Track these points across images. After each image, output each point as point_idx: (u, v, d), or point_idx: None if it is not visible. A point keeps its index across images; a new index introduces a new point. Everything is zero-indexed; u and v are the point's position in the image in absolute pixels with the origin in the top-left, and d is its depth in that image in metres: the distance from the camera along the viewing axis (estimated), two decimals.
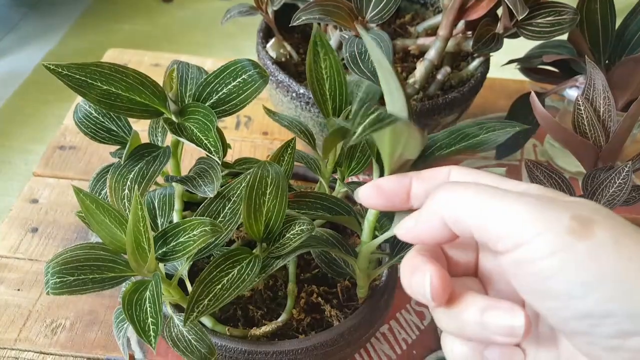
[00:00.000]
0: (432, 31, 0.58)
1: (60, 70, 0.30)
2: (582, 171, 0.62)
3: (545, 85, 0.61)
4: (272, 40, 0.52)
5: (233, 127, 0.65)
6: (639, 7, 0.56)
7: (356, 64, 0.36)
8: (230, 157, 0.62)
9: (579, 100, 0.38)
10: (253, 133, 0.65)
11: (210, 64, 0.75)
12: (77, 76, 0.30)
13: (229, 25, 1.64)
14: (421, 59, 0.51)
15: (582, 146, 0.37)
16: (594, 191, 0.36)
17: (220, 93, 0.34)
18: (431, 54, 0.50)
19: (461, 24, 0.52)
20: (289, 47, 0.54)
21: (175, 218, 0.38)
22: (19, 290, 0.46)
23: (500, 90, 0.73)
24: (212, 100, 0.34)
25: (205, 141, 0.29)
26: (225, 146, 0.41)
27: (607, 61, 0.58)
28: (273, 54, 0.52)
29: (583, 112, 0.37)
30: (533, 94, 0.38)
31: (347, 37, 0.38)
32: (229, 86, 0.34)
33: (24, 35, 1.76)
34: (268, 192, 0.29)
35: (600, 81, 0.38)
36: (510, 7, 0.37)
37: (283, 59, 0.52)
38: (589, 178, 0.37)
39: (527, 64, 0.59)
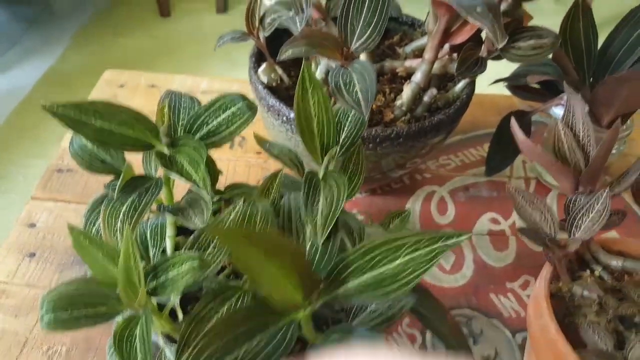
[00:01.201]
0: (420, 52, 0.59)
1: (55, 110, 0.31)
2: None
3: (533, 103, 0.62)
4: (264, 65, 0.53)
5: (227, 147, 0.67)
6: (620, 26, 0.57)
7: (341, 93, 0.37)
8: (225, 177, 0.63)
9: (558, 126, 0.39)
10: (247, 152, 0.66)
11: (205, 85, 0.76)
12: (72, 115, 0.31)
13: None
14: (408, 81, 0.52)
15: (562, 171, 0.38)
16: (575, 216, 0.37)
17: (210, 125, 0.35)
18: (417, 77, 0.51)
19: (447, 46, 0.53)
20: (280, 71, 0.55)
21: (168, 245, 0.39)
22: (16, 316, 0.47)
23: (490, 107, 0.74)
24: (202, 132, 0.35)
25: (195, 176, 0.30)
26: (217, 173, 0.42)
27: (591, 79, 0.59)
28: (264, 79, 0.53)
29: (563, 137, 0.38)
30: (513, 121, 0.40)
31: (334, 66, 0.39)
32: (219, 119, 0.35)
33: (25, 51, 1.78)
34: (257, 229, 0.30)
35: (579, 107, 0.39)
36: (490, 36, 0.38)
37: (274, 84, 0.54)
38: (571, 202, 0.38)
39: (513, 82, 0.61)
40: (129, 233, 0.26)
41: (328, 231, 0.30)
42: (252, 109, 0.35)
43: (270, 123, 0.53)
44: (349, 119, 0.39)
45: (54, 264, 0.51)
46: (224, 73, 1.60)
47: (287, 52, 0.37)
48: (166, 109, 0.34)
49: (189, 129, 0.36)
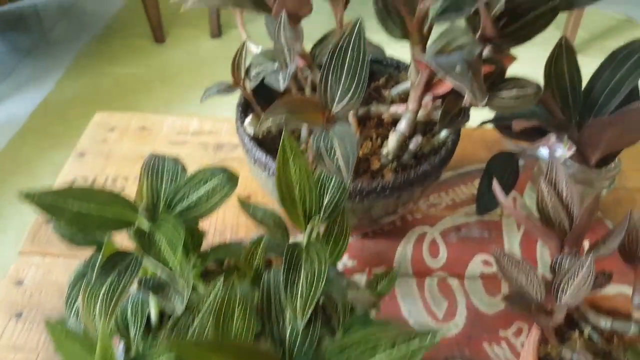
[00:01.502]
0: (405, 96, 0.59)
1: (32, 197, 0.31)
2: None
3: (520, 142, 0.62)
4: (250, 117, 0.53)
5: None
6: (603, 68, 0.57)
7: (323, 159, 0.37)
8: (215, 220, 0.63)
9: (542, 186, 0.39)
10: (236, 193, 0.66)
11: (196, 125, 0.76)
12: (49, 202, 0.31)
13: (219, 64, 1.65)
14: (393, 129, 0.52)
15: (547, 234, 0.38)
16: (561, 279, 0.36)
17: (190, 200, 0.35)
18: (402, 126, 0.51)
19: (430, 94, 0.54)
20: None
21: (153, 314, 0.39)
22: None
23: (479, 141, 0.74)
24: (183, 206, 0.35)
25: (172, 262, 0.30)
26: (201, 238, 0.42)
27: (578, 118, 0.59)
28: (251, 131, 0.53)
29: (547, 196, 0.38)
30: (496, 183, 0.39)
31: (315, 130, 0.39)
32: (199, 192, 0.35)
33: (21, 81, 1.78)
34: (236, 315, 0.30)
35: (561, 167, 0.39)
36: (469, 96, 0.38)
37: (261, 135, 0.53)
38: (557, 264, 0.37)
39: (500, 123, 0.61)
40: (105, 327, 0.26)
41: (309, 314, 0.29)
42: (232, 180, 0.35)
43: (258, 174, 0.53)
44: (332, 181, 0.39)
45: (41, 325, 0.50)
46: (219, 100, 1.60)
47: (267, 122, 0.36)
48: (145, 187, 0.34)
49: (169, 201, 0.35)
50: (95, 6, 2.27)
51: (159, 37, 1.99)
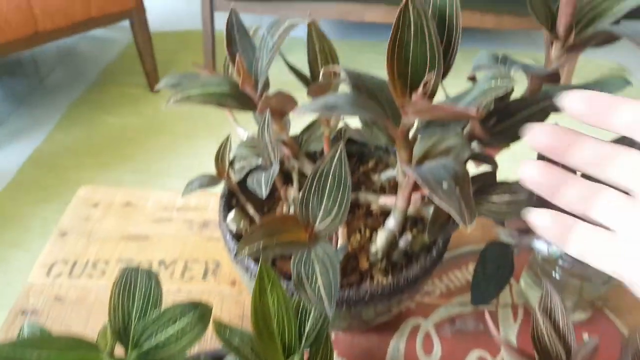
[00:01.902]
0: (395, 183, 0.57)
1: None
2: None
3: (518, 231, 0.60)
4: (233, 213, 0.51)
5: (200, 277, 0.64)
6: None
7: (304, 287, 0.35)
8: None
9: (537, 314, 0.36)
10: (221, 283, 0.63)
11: (182, 202, 0.74)
12: (5, 355, 0.29)
13: (214, 114, 1.64)
14: (382, 226, 0.50)
15: None
16: None
17: (158, 340, 0.32)
18: (391, 224, 0.49)
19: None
20: (251, 211, 0.53)
21: None
22: None
23: (478, 220, 0.72)
24: (151, 344, 0.33)
25: None
26: None
27: None
28: (233, 227, 0.51)
29: (542, 326, 0.36)
30: (487, 315, 0.37)
31: (296, 252, 0.37)
32: (167, 332, 0.32)
33: (13, 131, 1.77)
34: None
35: (555, 294, 0.37)
36: (457, 219, 0.36)
37: (244, 232, 0.51)
38: None
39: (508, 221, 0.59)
40: None
41: None
42: (203, 320, 0.32)
43: (241, 274, 0.50)
44: (315, 309, 0.37)
45: None
46: (212, 151, 1.59)
47: (243, 252, 0.34)
48: (109, 331, 0.31)
49: (137, 339, 0.33)
50: (91, 53, 2.28)
51: (153, 85, 1.99)
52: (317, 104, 0.35)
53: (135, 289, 0.38)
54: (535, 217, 0.31)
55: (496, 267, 0.58)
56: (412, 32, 0.36)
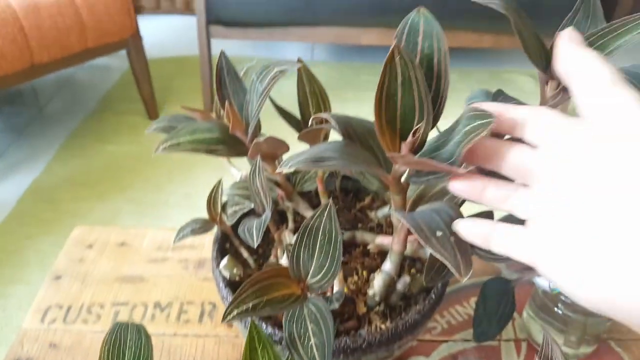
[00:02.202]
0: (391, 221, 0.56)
1: None
2: (568, 353, 0.59)
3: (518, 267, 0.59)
4: (226, 259, 0.50)
5: (196, 320, 0.63)
6: None
7: (296, 348, 0.34)
8: (192, 358, 0.59)
9: None
10: (217, 326, 0.62)
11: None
12: None
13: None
14: (379, 269, 0.49)
15: None
16: None
17: None
18: (388, 267, 0.48)
19: None
20: (245, 254, 0.53)
21: None
22: None
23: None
24: None
25: None
26: None
27: None
28: (226, 274, 0.50)
29: None
30: None
31: (288, 310, 0.36)
32: None
33: (12, 163, 1.77)
34: None
35: (556, 346, 0.36)
36: (452, 269, 0.35)
37: (237, 278, 0.50)
38: None
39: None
40: None
41: None
42: None
43: (235, 322, 0.49)
44: None
45: None
46: (209, 179, 1.58)
47: (231, 315, 0.33)
48: None
49: None
50: (90, 81, 2.29)
51: (152, 113, 1.99)
52: (304, 157, 0.34)
53: (125, 346, 0.37)
54: (460, 226, 0.35)
55: (497, 304, 0.57)
56: (399, 83, 0.36)
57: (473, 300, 0.66)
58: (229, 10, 1.87)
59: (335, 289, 0.48)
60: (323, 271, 0.36)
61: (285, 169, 0.33)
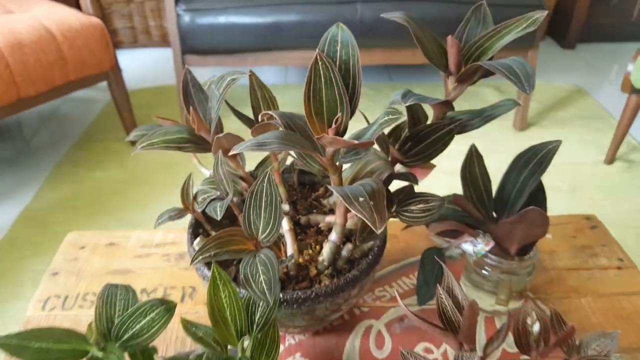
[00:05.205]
0: None
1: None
2: (499, 310, 0.69)
3: (449, 238, 0.69)
4: (198, 239, 0.60)
5: (179, 300, 0.72)
6: (511, 169, 0.66)
7: (249, 284, 0.44)
8: (176, 332, 0.68)
9: (439, 292, 0.46)
10: (197, 304, 0.71)
11: (160, 238, 0.83)
12: (13, 342, 0.37)
13: (188, 164, 1.74)
14: (326, 240, 0.60)
15: (446, 335, 0.44)
16: None
17: (134, 330, 0.41)
18: (333, 237, 0.59)
19: None
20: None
21: None
22: None
23: (420, 235, 0.81)
24: (128, 335, 0.41)
25: None
26: (151, 355, 0.48)
27: (494, 213, 0.67)
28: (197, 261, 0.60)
29: (445, 302, 0.45)
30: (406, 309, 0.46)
31: (244, 257, 0.46)
32: (141, 324, 0.41)
33: (2, 192, 1.85)
34: None
35: (451, 276, 0.46)
36: (367, 222, 0.45)
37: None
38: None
39: (430, 227, 0.68)
40: None
41: None
42: (169, 310, 0.41)
43: (202, 285, 0.59)
44: (261, 305, 0.46)
45: None
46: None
47: (197, 259, 0.43)
48: (94, 325, 0.40)
49: (117, 331, 0.42)
50: (74, 113, 2.38)
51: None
52: (251, 142, 0.45)
53: (115, 299, 0.47)
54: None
55: (432, 268, 0.68)
56: (322, 82, 0.47)
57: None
58: (202, 40, 1.99)
59: (290, 252, 0.58)
60: (269, 227, 0.46)
61: (236, 151, 0.43)
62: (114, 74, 1.94)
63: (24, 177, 1.92)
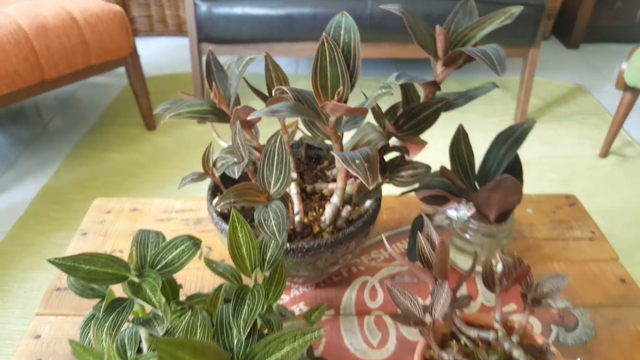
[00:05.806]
0: None
1: (57, 261, 0.46)
2: (480, 271, 0.77)
3: (436, 206, 0.78)
4: (217, 199, 0.69)
5: (196, 257, 0.81)
6: (493, 145, 0.74)
7: (262, 227, 0.53)
8: (195, 283, 0.77)
9: (420, 238, 0.54)
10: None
11: (179, 205, 0.92)
12: (68, 264, 0.46)
13: (202, 148, 1.85)
14: (329, 201, 0.68)
15: (422, 271, 0.53)
16: (434, 302, 0.51)
17: (167, 260, 0.50)
18: (335, 199, 0.67)
19: None
20: None
21: (144, 347, 0.53)
22: None
23: (414, 205, 0.90)
24: (161, 264, 0.50)
25: (153, 300, 0.45)
26: (177, 289, 0.57)
27: (476, 182, 0.75)
28: (218, 208, 0.69)
29: (424, 245, 0.54)
30: (387, 245, 0.55)
31: (258, 207, 0.55)
32: (172, 254, 0.50)
33: (21, 172, 1.95)
34: (198, 331, 0.44)
35: (432, 227, 0.55)
36: (362, 180, 0.54)
37: (226, 210, 0.69)
38: (433, 292, 0.52)
39: (418, 192, 0.77)
40: (110, 345, 0.41)
41: (248, 330, 0.44)
42: (196, 245, 0.50)
43: (223, 240, 0.68)
44: (272, 243, 0.55)
45: None
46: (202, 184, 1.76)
47: (219, 205, 0.52)
48: (134, 253, 0.49)
49: (152, 261, 0.51)
50: (90, 98, 2.48)
51: (150, 125, 2.19)
52: (265, 110, 0.53)
53: (148, 240, 0.56)
54: None
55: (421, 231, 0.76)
56: (327, 61, 0.55)
57: None
58: (218, 29, 2.08)
59: (296, 209, 0.67)
60: (279, 182, 0.55)
61: (254, 116, 0.52)
62: (132, 60, 2.03)
63: (43, 158, 2.02)
